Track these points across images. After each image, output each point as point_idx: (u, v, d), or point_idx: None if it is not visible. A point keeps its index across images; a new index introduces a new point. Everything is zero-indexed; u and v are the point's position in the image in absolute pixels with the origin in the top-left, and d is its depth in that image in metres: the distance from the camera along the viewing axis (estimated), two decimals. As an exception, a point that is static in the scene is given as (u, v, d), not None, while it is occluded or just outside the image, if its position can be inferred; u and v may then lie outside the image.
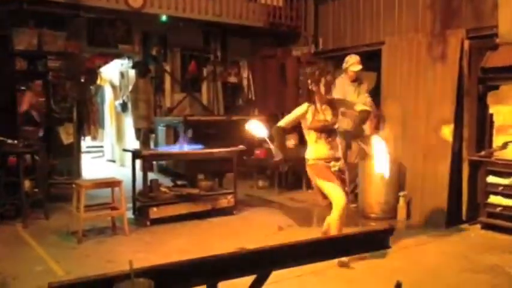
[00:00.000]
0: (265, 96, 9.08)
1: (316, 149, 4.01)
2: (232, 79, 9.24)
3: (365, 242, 2.07)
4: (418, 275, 3.79)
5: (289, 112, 4.23)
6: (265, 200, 6.70)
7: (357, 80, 5.82)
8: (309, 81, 3.99)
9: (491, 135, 5.30)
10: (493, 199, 5.08)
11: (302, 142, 7.27)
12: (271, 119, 8.18)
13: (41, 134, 6.65)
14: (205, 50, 9.06)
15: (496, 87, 5.26)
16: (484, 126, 5.42)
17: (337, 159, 4.03)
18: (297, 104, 9.07)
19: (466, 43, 5.41)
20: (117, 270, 1.56)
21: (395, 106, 5.93)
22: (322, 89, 3.88)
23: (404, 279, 3.70)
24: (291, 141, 7.02)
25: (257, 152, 7.44)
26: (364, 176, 5.75)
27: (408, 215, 5.49)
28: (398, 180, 5.60)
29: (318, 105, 3.96)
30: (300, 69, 8.32)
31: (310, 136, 4.03)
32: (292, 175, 7.46)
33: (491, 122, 5.29)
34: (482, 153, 5.27)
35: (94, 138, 8.92)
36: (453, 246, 4.60)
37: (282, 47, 8.86)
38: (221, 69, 9.14)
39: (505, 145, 5.01)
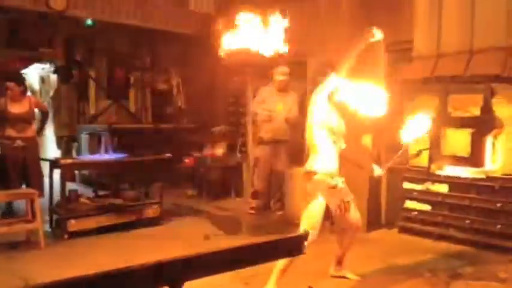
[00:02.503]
0: (195, 104, 9.00)
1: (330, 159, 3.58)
2: (161, 86, 9.07)
3: (279, 249, 2.09)
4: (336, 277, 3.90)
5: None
6: (193, 209, 6.60)
7: (284, 90, 5.99)
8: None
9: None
10: (409, 204, 5.36)
11: (231, 150, 7.34)
12: (202, 128, 8.17)
13: None
14: (133, 56, 8.84)
15: (412, 99, 5.58)
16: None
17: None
18: (228, 113, 8.98)
19: (385, 56, 5.69)
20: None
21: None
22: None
23: (323, 281, 3.81)
24: (219, 150, 7.02)
25: (186, 160, 7.34)
26: (291, 184, 5.84)
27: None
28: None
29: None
30: (229, 78, 8.33)
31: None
32: (220, 183, 7.43)
33: (408, 132, 5.59)
34: (399, 160, 5.54)
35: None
36: (372, 249, 4.77)
37: (212, 55, 8.83)
38: (149, 76, 8.95)
39: (419, 153, 5.31)
